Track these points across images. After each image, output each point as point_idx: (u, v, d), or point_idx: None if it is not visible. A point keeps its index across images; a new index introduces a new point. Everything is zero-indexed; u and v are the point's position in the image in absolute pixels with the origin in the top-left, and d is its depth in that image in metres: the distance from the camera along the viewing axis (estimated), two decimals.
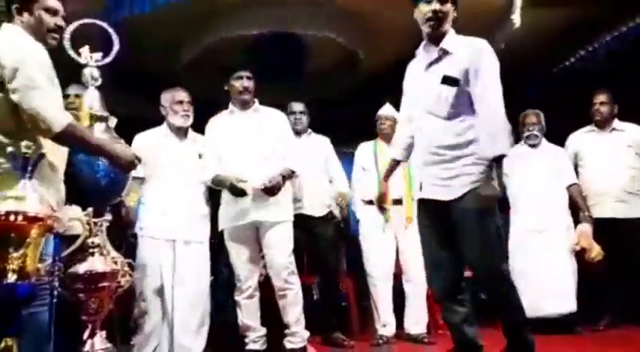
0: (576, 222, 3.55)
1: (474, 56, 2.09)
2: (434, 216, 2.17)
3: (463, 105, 2.10)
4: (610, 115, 3.65)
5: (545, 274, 3.40)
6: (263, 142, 2.95)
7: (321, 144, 3.73)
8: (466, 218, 2.06)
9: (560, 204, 3.60)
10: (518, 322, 2.07)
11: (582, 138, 3.74)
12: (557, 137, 3.81)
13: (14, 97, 1.68)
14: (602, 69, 4.64)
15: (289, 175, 2.94)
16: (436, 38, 2.16)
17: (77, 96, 2.73)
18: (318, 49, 4.64)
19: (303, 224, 3.24)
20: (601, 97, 3.65)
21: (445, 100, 2.09)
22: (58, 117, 1.70)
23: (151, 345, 2.76)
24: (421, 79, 2.22)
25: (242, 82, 2.97)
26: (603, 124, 3.66)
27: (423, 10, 2.12)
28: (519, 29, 4.03)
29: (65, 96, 2.64)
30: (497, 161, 2.05)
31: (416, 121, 2.26)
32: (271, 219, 2.87)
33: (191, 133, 3.05)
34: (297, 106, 3.69)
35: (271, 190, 2.78)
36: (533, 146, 3.67)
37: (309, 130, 3.71)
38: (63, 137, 1.72)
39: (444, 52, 2.15)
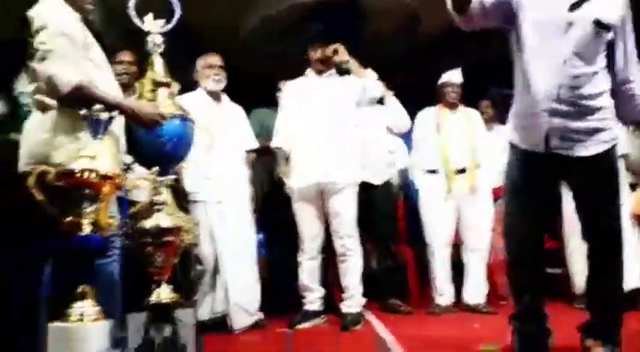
0: None
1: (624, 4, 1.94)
2: (551, 169, 1.98)
3: (607, 55, 1.95)
4: None
5: None
6: (337, 108, 2.99)
7: (383, 112, 3.69)
8: (608, 174, 1.97)
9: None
10: (621, 293, 1.97)
11: None
12: None
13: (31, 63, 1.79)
14: None
15: None
16: None
17: (131, 63, 2.86)
18: (378, 12, 4.53)
19: (362, 190, 3.24)
20: None
21: (594, 46, 1.91)
22: (65, 79, 1.76)
23: (208, 303, 2.89)
24: (562, 15, 1.93)
25: (315, 53, 3.05)
26: None
27: None
28: None
29: (119, 63, 2.78)
30: None
31: (543, 60, 1.96)
32: (337, 183, 2.91)
33: (225, 98, 3.10)
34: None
35: None
36: None
37: None
38: (73, 97, 1.78)
39: None
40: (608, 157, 1.95)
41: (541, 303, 2.03)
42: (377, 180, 3.57)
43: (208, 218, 2.88)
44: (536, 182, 2.00)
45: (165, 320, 1.62)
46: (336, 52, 3.00)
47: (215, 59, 3.04)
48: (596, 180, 1.96)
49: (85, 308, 1.55)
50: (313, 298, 3.02)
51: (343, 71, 3.05)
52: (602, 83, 1.94)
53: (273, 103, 3.50)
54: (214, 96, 3.05)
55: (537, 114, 1.95)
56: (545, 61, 1.94)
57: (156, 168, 1.76)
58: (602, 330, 1.91)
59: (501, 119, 4.27)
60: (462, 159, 3.46)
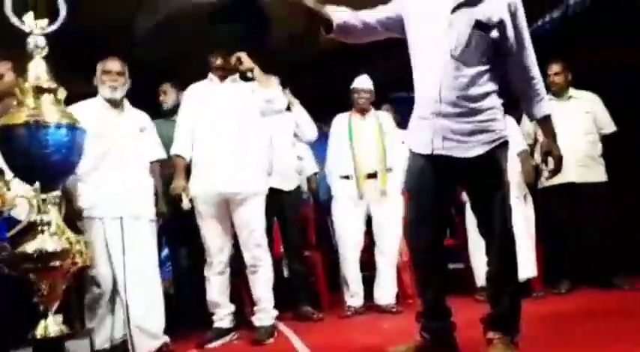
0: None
1: (510, 2, 1.95)
2: (440, 171, 2.02)
3: (493, 54, 1.97)
4: (565, 84, 3.71)
5: None
6: (240, 114, 2.90)
7: (290, 119, 3.65)
8: (490, 176, 1.99)
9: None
10: (516, 285, 2.04)
11: None
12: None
13: None
14: (557, 36, 4.69)
15: None
16: None
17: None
18: (285, 14, 4.49)
19: (271, 198, 3.16)
20: (555, 68, 3.70)
21: (475, 47, 1.93)
22: None
23: (107, 329, 2.66)
24: (443, 18, 1.97)
25: (217, 60, 2.96)
26: (559, 93, 3.72)
27: None
28: None
29: None
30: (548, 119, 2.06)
31: (426, 63, 2.02)
32: (243, 192, 2.81)
33: (127, 106, 2.89)
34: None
35: None
36: None
37: None
38: None
39: None
40: (490, 159, 1.96)
41: (444, 299, 2.10)
42: (286, 187, 3.53)
43: (105, 235, 2.63)
44: (428, 184, 2.05)
45: None
46: (239, 60, 2.90)
47: (114, 65, 2.78)
48: (481, 181, 2.00)
49: None
50: (223, 314, 2.89)
51: (247, 78, 2.96)
52: (488, 84, 1.96)
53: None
54: (113, 103, 2.81)
55: (424, 116, 2.02)
56: (428, 63, 2.01)
57: (37, 184, 1.56)
58: (502, 322, 1.98)
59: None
60: (373, 163, 3.52)
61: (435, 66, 1.97)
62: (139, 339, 2.59)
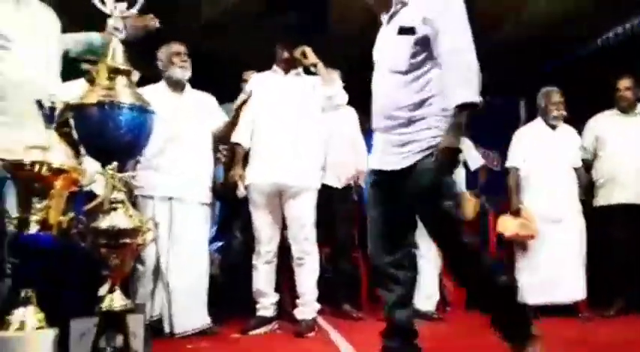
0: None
1: (432, 2, 1.89)
2: (384, 186, 2.00)
3: (425, 58, 1.90)
4: (634, 99, 3.57)
5: (556, 263, 3.39)
6: (300, 107, 2.92)
7: (348, 116, 3.64)
8: (418, 189, 1.87)
9: (574, 190, 3.55)
10: (498, 294, 1.88)
11: (605, 122, 3.66)
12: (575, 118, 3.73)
13: None
14: (625, 51, 4.52)
15: None
16: None
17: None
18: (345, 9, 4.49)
19: (321, 194, 3.18)
20: (626, 82, 3.58)
21: (403, 53, 1.90)
22: None
23: (147, 306, 2.71)
24: (382, 36, 2.06)
25: (284, 52, 2.97)
26: (628, 109, 3.58)
27: None
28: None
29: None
30: (462, 110, 1.78)
31: (374, 81, 2.05)
32: (297, 185, 2.83)
33: (189, 88, 2.97)
34: None
35: None
36: (553, 127, 3.59)
37: None
38: None
39: (402, 3, 1.98)
40: (420, 169, 1.86)
41: (405, 316, 2.01)
42: (338, 183, 3.53)
43: (154, 214, 2.68)
44: (376, 201, 2.04)
45: (117, 329, 1.49)
46: (304, 54, 2.92)
47: (180, 47, 2.91)
48: (415, 194, 1.90)
49: (27, 315, 1.40)
50: (267, 303, 2.93)
51: (311, 72, 2.98)
52: (424, 91, 1.89)
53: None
54: (176, 86, 2.90)
55: (374, 132, 2.06)
56: (374, 81, 2.05)
57: (115, 164, 1.62)
58: (504, 330, 1.88)
59: None
60: None
61: (376, 82, 2.04)
62: (178, 317, 2.66)
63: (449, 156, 1.80)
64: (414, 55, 1.90)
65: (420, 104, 1.90)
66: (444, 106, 1.84)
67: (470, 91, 1.78)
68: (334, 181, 3.51)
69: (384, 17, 2.07)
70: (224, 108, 3.17)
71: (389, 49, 1.99)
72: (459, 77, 1.80)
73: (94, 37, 2.17)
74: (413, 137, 1.90)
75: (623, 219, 3.44)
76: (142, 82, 2.86)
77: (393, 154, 1.94)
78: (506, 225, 3.54)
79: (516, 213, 3.51)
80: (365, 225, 4.19)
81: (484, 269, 1.89)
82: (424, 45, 1.89)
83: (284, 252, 3.04)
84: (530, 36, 4.58)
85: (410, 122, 1.91)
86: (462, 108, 1.78)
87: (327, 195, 3.37)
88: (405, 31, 1.91)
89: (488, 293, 1.89)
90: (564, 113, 3.56)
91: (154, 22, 2.29)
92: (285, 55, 2.99)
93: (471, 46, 1.84)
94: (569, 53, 5.08)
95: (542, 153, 3.55)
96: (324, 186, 3.25)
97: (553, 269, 3.38)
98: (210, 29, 4.51)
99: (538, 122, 3.66)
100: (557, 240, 3.41)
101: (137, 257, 2.69)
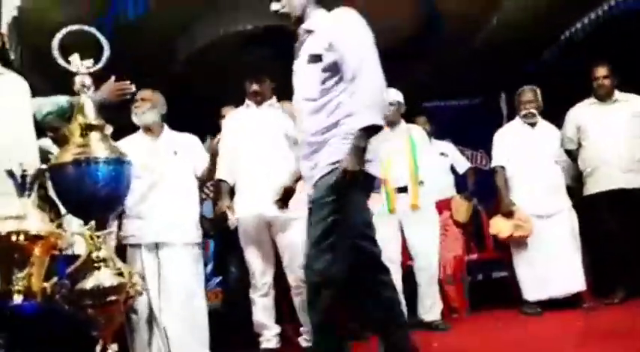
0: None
1: (335, 27, 1.96)
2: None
3: (335, 83, 1.95)
4: (611, 87, 3.60)
5: (550, 258, 3.39)
6: (276, 138, 2.93)
7: None
8: (314, 208, 1.90)
9: (561, 184, 3.58)
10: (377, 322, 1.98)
11: (584, 111, 3.67)
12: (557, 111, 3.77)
13: None
14: (601, 39, 4.57)
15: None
16: (300, 22, 2.08)
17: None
18: None
19: None
20: (602, 71, 3.58)
21: (313, 80, 1.96)
22: None
23: None
24: (295, 66, 2.11)
25: (252, 86, 2.99)
26: (605, 97, 3.61)
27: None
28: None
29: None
30: (367, 133, 1.83)
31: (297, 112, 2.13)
32: (283, 216, 2.83)
33: (166, 130, 2.95)
34: None
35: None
36: (532, 125, 3.63)
37: None
38: None
39: (308, 32, 2.05)
40: (317, 185, 1.92)
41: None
42: None
43: (142, 263, 2.69)
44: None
45: None
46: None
47: (139, 93, 2.83)
48: (314, 220, 1.91)
49: None
50: (270, 336, 2.91)
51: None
52: (329, 117, 1.94)
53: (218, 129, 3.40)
54: (148, 131, 2.90)
55: None
56: (297, 113, 2.11)
57: (92, 223, 1.62)
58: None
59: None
60: (403, 177, 3.47)
61: (298, 111, 2.08)
62: None
63: (350, 177, 1.82)
64: (323, 82, 1.95)
65: (330, 127, 1.95)
66: (351, 128, 1.87)
67: (372, 114, 1.84)
68: None
69: (296, 47, 2.12)
70: (205, 145, 3.20)
71: (300, 78, 2.06)
72: (364, 100, 1.86)
73: (62, 99, 2.19)
74: (320, 157, 1.95)
75: (612, 205, 3.44)
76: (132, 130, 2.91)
77: (307, 180, 2.03)
78: (500, 227, 3.54)
79: (509, 214, 3.52)
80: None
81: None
82: (333, 70, 1.95)
83: (283, 281, 3.03)
84: (508, 37, 4.64)
85: (323, 144, 1.95)
86: (365, 130, 1.83)
87: None
88: (313, 58, 1.97)
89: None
90: (534, 111, 3.59)
91: (129, 89, 2.30)
92: (254, 87, 3.00)
93: (375, 69, 1.90)
94: (547, 50, 5.16)
95: (524, 151, 3.58)
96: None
97: (548, 265, 3.38)
98: (188, 65, 4.57)
99: (517, 121, 3.70)
100: (550, 235, 3.42)
101: (130, 307, 2.68)
